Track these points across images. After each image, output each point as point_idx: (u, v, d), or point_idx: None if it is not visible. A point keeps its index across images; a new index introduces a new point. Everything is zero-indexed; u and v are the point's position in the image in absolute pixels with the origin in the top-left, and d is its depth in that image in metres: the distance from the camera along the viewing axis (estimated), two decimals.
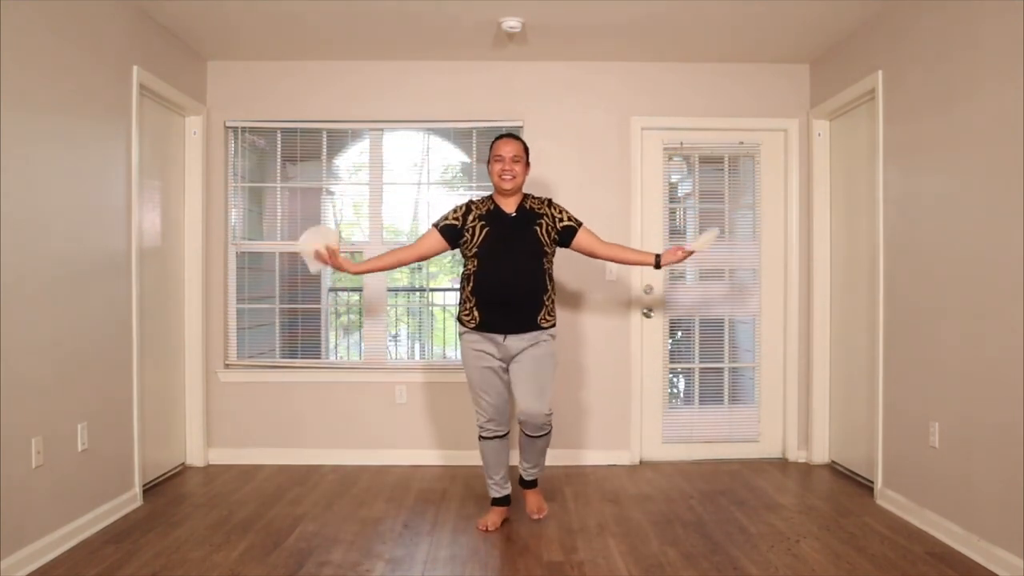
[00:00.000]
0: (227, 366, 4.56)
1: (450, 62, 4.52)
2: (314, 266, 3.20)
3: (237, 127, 4.58)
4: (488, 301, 3.18)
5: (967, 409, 3.08)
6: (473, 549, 3.12)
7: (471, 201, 3.34)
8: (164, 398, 4.15)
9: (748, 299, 4.64)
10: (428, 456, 4.52)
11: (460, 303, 3.30)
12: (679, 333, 4.72)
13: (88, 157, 3.30)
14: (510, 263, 3.18)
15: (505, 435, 3.36)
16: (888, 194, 3.69)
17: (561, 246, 3.35)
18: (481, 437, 3.35)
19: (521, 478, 3.50)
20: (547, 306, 3.25)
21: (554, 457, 4.37)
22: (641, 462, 4.55)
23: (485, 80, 4.53)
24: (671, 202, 4.65)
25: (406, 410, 4.55)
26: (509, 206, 3.28)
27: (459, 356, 3.44)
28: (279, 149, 4.65)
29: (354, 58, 4.50)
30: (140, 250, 3.73)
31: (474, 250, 3.21)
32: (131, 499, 3.62)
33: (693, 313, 4.64)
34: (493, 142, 3.32)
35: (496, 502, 3.41)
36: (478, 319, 3.21)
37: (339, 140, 4.67)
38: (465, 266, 3.28)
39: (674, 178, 4.72)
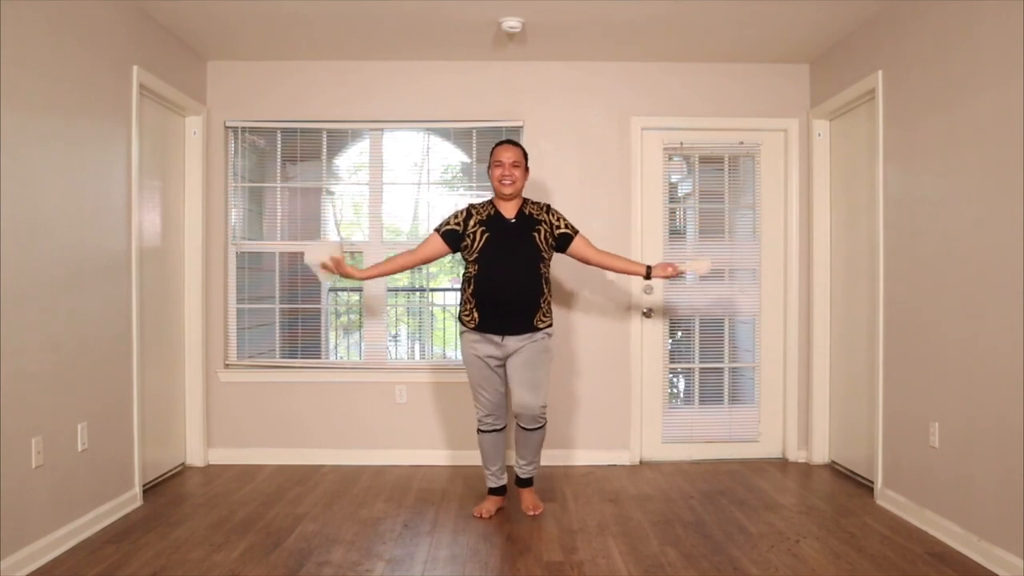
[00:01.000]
0: (227, 366, 4.56)
1: (450, 62, 4.52)
2: (326, 279, 3.47)
3: (237, 127, 4.58)
4: (487, 303, 3.32)
5: (967, 409, 3.08)
6: (473, 549, 3.12)
7: (472, 205, 3.46)
8: (164, 398, 4.15)
9: (748, 299, 4.64)
10: (428, 456, 4.52)
11: (461, 303, 3.44)
12: (679, 333, 4.72)
13: (88, 157, 3.30)
14: (509, 268, 3.31)
15: (502, 429, 3.53)
16: (888, 194, 3.69)
17: (557, 251, 3.48)
18: (480, 431, 3.52)
19: (517, 477, 3.58)
20: (543, 308, 3.38)
21: (554, 457, 4.38)
22: (641, 462, 4.55)
23: (485, 80, 4.53)
24: (671, 202, 4.65)
25: (406, 410, 4.55)
26: (509, 211, 3.40)
27: (459, 356, 3.62)
28: (279, 149, 4.65)
29: (354, 58, 4.50)
30: (140, 250, 3.73)
31: (475, 254, 3.34)
32: (131, 499, 3.62)
33: (693, 313, 4.64)
34: (493, 148, 3.44)
35: (493, 491, 3.57)
36: (478, 320, 3.35)
37: (339, 140, 4.67)
38: (466, 269, 3.41)
39: (674, 178, 4.72)
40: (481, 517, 3.47)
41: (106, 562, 2.95)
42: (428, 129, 4.65)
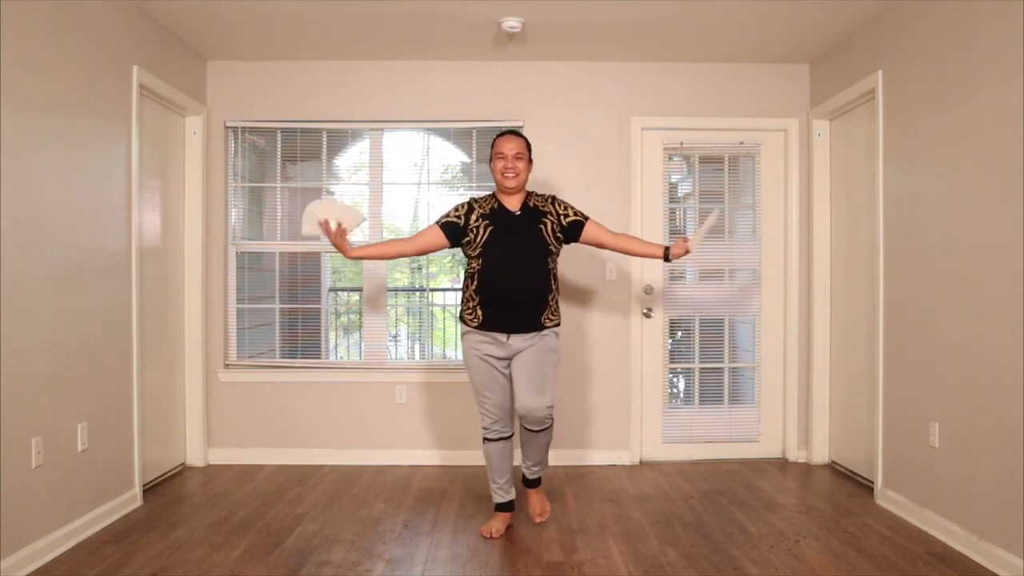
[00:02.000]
0: (227, 366, 4.56)
1: (450, 62, 4.52)
2: (310, 229, 3.13)
3: (237, 127, 4.58)
4: (492, 300, 3.14)
5: (967, 409, 3.08)
6: (473, 549, 3.12)
7: (473, 199, 3.30)
8: (164, 398, 4.15)
9: (748, 299, 4.64)
10: (428, 456, 4.52)
11: (463, 301, 3.25)
12: (679, 333, 4.72)
13: (88, 157, 3.30)
14: (514, 262, 3.14)
15: (510, 436, 3.30)
16: (888, 194, 3.69)
17: (569, 242, 3.30)
18: (486, 439, 3.28)
19: (524, 477, 3.43)
20: (551, 305, 3.21)
21: (554, 457, 4.37)
22: (641, 462, 4.55)
23: (485, 80, 4.53)
24: (671, 202, 4.65)
25: (406, 410, 4.55)
26: (513, 204, 3.24)
27: (459, 356, 3.38)
28: (279, 149, 4.65)
29: (354, 58, 4.50)
30: (140, 250, 3.73)
31: (478, 250, 3.17)
32: (131, 499, 3.62)
33: (693, 313, 4.64)
34: (495, 139, 3.26)
35: (500, 507, 3.33)
36: (481, 318, 3.16)
37: (339, 140, 4.67)
38: (468, 264, 3.24)
39: (674, 178, 4.72)
40: (491, 536, 3.24)
41: (106, 562, 2.95)
42: (428, 129, 4.65)
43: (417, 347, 4.99)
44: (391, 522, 3.47)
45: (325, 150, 4.64)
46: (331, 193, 4.72)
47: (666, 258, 3.28)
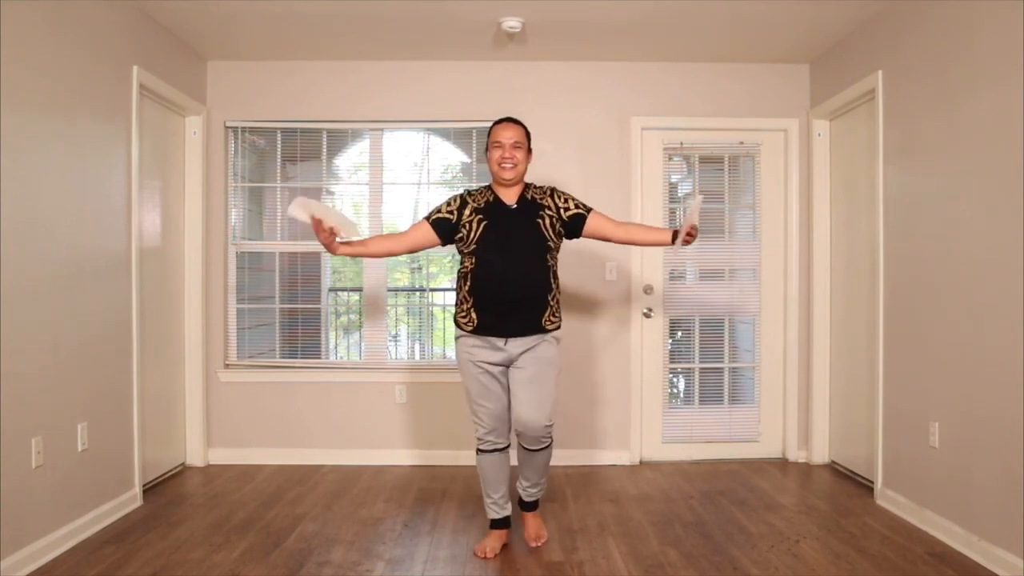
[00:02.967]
0: (227, 366, 4.56)
1: (450, 62, 4.52)
2: (298, 213, 2.72)
3: (237, 127, 4.58)
4: (488, 301, 2.91)
5: (967, 409, 3.08)
6: (473, 549, 3.12)
7: (468, 192, 3.05)
8: (164, 398, 4.15)
9: (748, 299, 4.63)
10: (428, 456, 4.52)
11: (456, 304, 3.02)
12: (679, 333, 4.72)
13: (88, 157, 3.30)
14: (511, 260, 2.89)
15: (506, 448, 3.06)
16: (888, 194, 3.69)
17: (571, 237, 3.05)
18: (480, 451, 3.04)
19: (520, 499, 3.18)
20: (552, 306, 2.96)
21: (554, 457, 4.35)
22: (641, 462, 4.55)
23: (485, 80, 4.53)
24: (671, 202, 4.65)
25: (406, 410, 4.55)
26: (509, 197, 2.99)
27: (455, 349, 3.07)
28: (279, 149, 4.65)
29: (354, 58, 4.50)
30: (140, 250, 3.73)
31: (472, 246, 2.92)
32: (131, 499, 3.62)
33: (693, 313, 4.64)
34: (491, 126, 3.03)
35: (495, 524, 3.10)
36: (476, 321, 2.92)
37: (339, 140, 4.67)
38: (462, 263, 3.01)
39: (674, 178, 4.72)
40: (485, 558, 3.01)
41: (106, 562, 2.95)
42: (428, 129, 4.65)
43: (417, 347, 4.99)
44: (391, 522, 3.47)
45: (325, 150, 4.64)
46: (331, 194, 4.72)
47: (673, 242, 2.92)
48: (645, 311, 4.55)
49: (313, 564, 2.94)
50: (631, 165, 4.52)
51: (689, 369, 4.68)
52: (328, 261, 4.80)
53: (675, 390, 4.78)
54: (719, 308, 4.64)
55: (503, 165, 2.95)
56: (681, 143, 4.60)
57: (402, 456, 4.53)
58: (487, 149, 3.02)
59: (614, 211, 4.48)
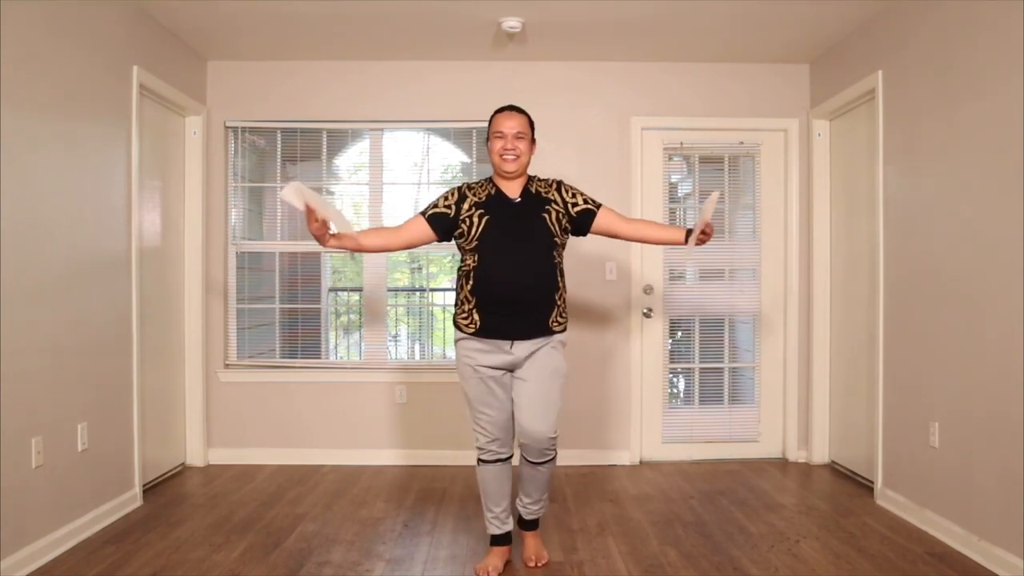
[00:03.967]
0: (227, 366, 4.56)
1: (450, 62, 4.52)
2: (292, 198, 2.48)
3: (237, 127, 4.58)
4: (491, 302, 2.71)
5: (967, 409, 3.08)
6: (473, 549, 3.12)
7: (467, 185, 2.84)
8: (164, 398, 4.15)
9: (748, 299, 4.63)
10: (428, 456, 4.52)
11: (456, 304, 2.81)
12: (679, 333, 4.72)
13: (88, 157, 3.30)
14: (516, 257, 2.70)
15: (508, 458, 2.85)
16: (888, 194, 3.69)
17: (578, 234, 2.86)
18: (480, 461, 2.84)
19: (520, 517, 2.98)
20: (559, 306, 2.77)
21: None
22: (641, 462, 4.55)
23: (485, 80, 4.53)
24: (671, 202, 4.65)
25: (406, 410, 4.55)
26: (512, 190, 2.79)
27: (455, 352, 2.87)
28: (279, 149, 4.65)
29: (354, 58, 4.50)
30: (140, 250, 3.73)
31: (473, 243, 2.73)
32: (131, 499, 3.62)
33: (693, 313, 4.64)
34: (492, 115, 2.83)
35: (496, 540, 2.90)
36: (479, 323, 2.72)
37: (339, 140, 4.67)
38: (463, 261, 2.81)
39: (674, 178, 4.72)
40: None
41: (106, 562, 2.95)
42: (428, 129, 4.65)
43: (417, 347, 5.00)
44: (391, 522, 3.47)
45: (325, 150, 4.64)
46: (331, 194, 4.72)
47: (687, 241, 2.77)
48: (645, 311, 4.55)
49: (313, 564, 2.94)
50: (631, 165, 4.52)
51: (689, 369, 4.68)
52: (328, 261, 4.80)
53: (675, 390, 4.78)
54: (719, 308, 4.64)
55: (505, 156, 2.75)
56: (681, 143, 4.60)
57: (402, 456, 4.53)
58: (488, 140, 2.83)
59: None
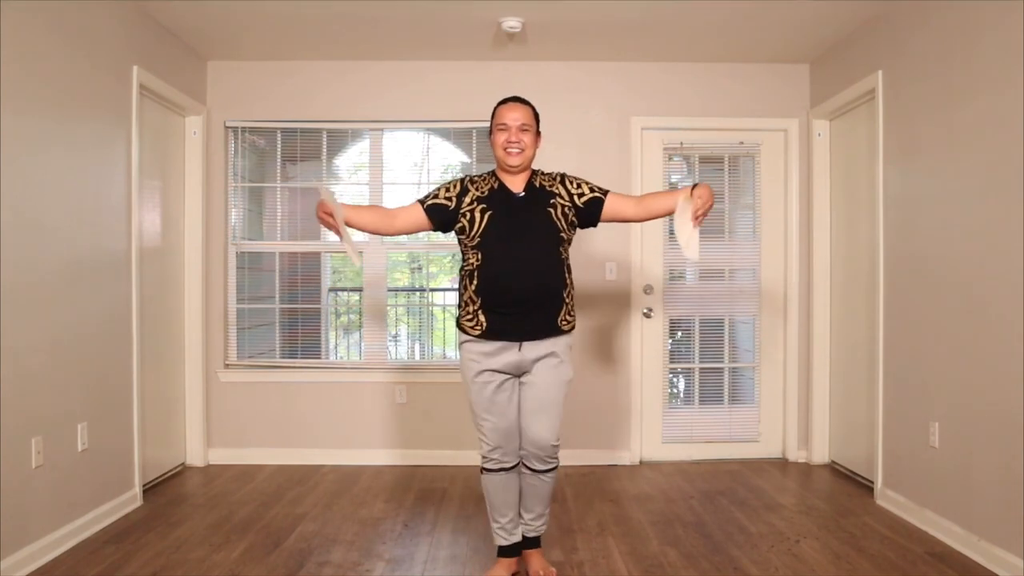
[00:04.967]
0: (227, 366, 4.56)
1: (450, 62, 4.52)
2: (326, 196, 2.59)
3: (237, 127, 4.58)
4: (497, 302, 2.59)
5: (967, 409, 3.08)
6: (473, 549, 3.12)
7: (469, 178, 2.72)
8: (164, 398, 4.15)
9: (748, 299, 4.63)
10: (428, 456, 4.52)
11: (460, 306, 2.69)
12: (679, 333, 4.72)
13: (88, 157, 3.30)
14: (521, 254, 2.59)
15: (514, 467, 2.73)
16: (888, 194, 3.69)
17: (588, 225, 2.74)
18: (485, 470, 2.72)
19: (523, 536, 2.83)
20: (567, 304, 2.66)
21: None
22: (641, 462, 4.55)
23: (485, 80, 4.53)
24: None
25: (406, 410, 4.55)
26: (516, 185, 2.68)
27: (459, 356, 2.77)
28: (279, 149, 4.65)
29: (354, 58, 4.50)
30: (140, 250, 3.73)
31: (476, 240, 2.62)
32: (131, 499, 3.62)
33: (693, 313, 4.64)
34: (496, 107, 2.72)
35: (504, 552, 2.78)
36: (485, 325, 2.60)
37: (339, 140, 4.67)
38: (465, 259, 2.69)
39: (674, 178, 4.72)
40: None
41: (106, 562, 2.95)
42: (428, 129, 4.65)
43: (417, 347, 5.00)
44: (391, 522, 3.47)
45: (325, 150, 4.64)
46: (331, 194, 4.70)
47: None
48: (645, 311, 4.55)
49: (313, 564, 2.94)
50: (631, 165, 4.52)
51: (689, 369, 4.68)
52: (328, 261, 4.80)
53: (675, 390, 4.78)
54: (719, 308, 4.64)
55: (509, 150, 2.63)
56: (681, 143, 4.60)
57: (402, 456, 4.53)
58: (491, 132, 2.72)
59: None
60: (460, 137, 4.65)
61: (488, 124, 2.80)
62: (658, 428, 4.59)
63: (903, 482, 3.55)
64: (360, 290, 4.74)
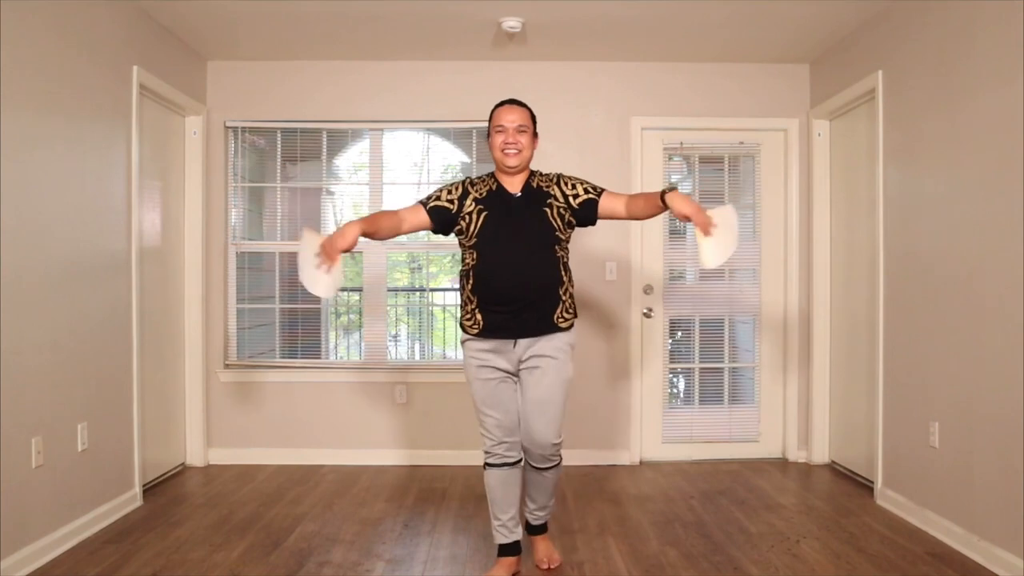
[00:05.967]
0: (227, 366, 4.56)
1: (450, 62, 4.52)
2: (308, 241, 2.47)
3: (237, 127, 4.58)
4: (493, 301, 2.65)
5: (967, 409, 3.08)
6: (473, 549, 3.12)
7: (469, 181, 2.78)
8: (164, 398, 4.15)
9: (748, 299, 4.63)
10: (428, 456, 4.52)
11: (460, 306, 2.77)
12: (679, 333, 4.72)
13: (88, 157, 3.30)
14: (516, 254, 2.64)
15: (517, 463, 2.76)
16: (888, 194, 3.69)
17: (585, 224, 2.78)
18: (487, 464, 2.76)
19: (527, 523, 2.94)
20: (564, 301, 2.70)
21: None
22: (641, 462, 4.55)
23: (485, 80, 4.53)
24: None
25: (406, 410, 4.55)
26: (513, 186, 2.73)
27: (459, 355, 2.85)
28: (279, 149, 4.65)
29: (354, 58, 4.50)
30: (140, 250, 3.73)
31: (472, 240, 2.67)
32: (131, 499, 3.62)
33: (693, 313, 4.64)
34: (493, 109, 2.77)
35: (504, 550, 2.79)
36: (482, 323, 2.67)
37: (339, 140, 4.67)
38: (463, 260, 2.75)
39: (674, 178, 4.72)
40: None
41: (106, 562, 2.95)
42: (428, 129, 4.65)
43: (417, 347, 5.00)
44: (391, 522, 3.47)
45: (325, 150, 4.64)
46: (331, 194, 4.72)
47: (664, 204, 2.58)
48: (645, 311, 4.55)
49: (313, 564, 2.94)
50: (631, 165, 4.52)
51: (689, 369, 4.68)
52: None
53: (675, 390, 4.78)
54: (719, 308, 4.64)
55: (507, 151, 2.68)
56: (681, 143, 4.60)
57: (402, 456, 4.53)
58: (488, 135, 2.77)
59: None
60: (460, 137, 4.65)
61: (487, 124, 2.80)
62: (658, 428, 4.59)
63: (903, 482, 3.55)
64: (360, 290, 4.75)
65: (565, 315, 2.71)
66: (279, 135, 4.62)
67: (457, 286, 4.33)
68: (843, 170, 4.33)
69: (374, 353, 4.64)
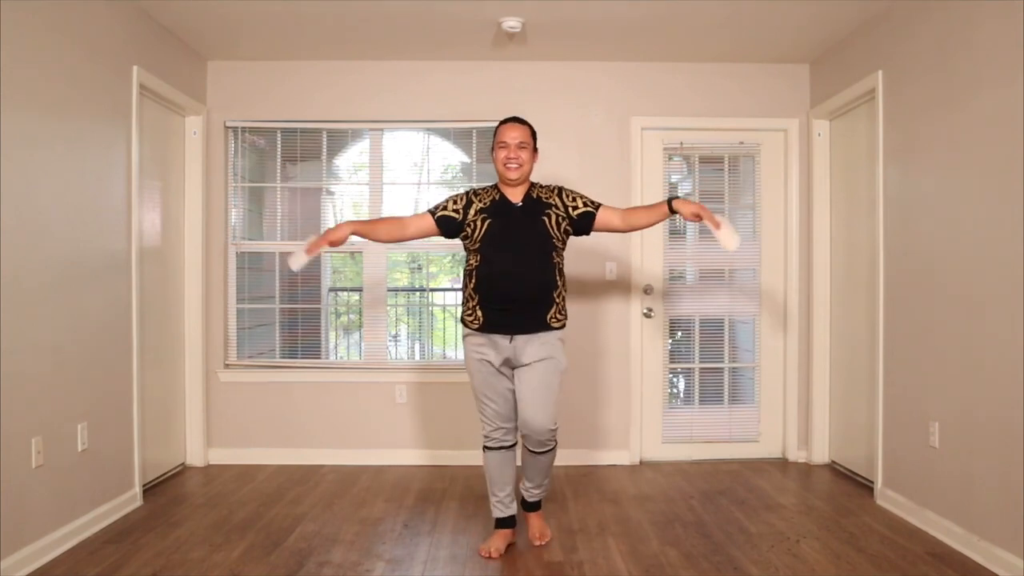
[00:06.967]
0: (227, 366, 4.56)
1: (450, 62, 4.52)
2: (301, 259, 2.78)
3: (237, 127, 4.59)
4: (492, 299, 2.92)
5: (967, 409, 3.08)
6: (473, 549, 3.12)
7: (472, 191, 3.05)
8: (164, 398, 4.15)
9: (748, 299, 4.63)
10: (428, 456, 4.52)
11: (463, 302, 3.04)
12: (679, 333, 4.72)
13: (88, 157, 3.30)
14: (516, 259, 2.91)
15: (512, 446, 3.08)
16: (888, 194, 3.69)
17: (581, 233, 3.04)
18: (486, 448, 3.07)
19: (523, 500, 3.21)
20: (557, 304, 2.97)
21: (555, 457, 4.37)
22: (641, 462, 4.55)
23: (485, 80, 4.53)
24: None
25: (406, 410, 4.55)
26: (515, 196, 3.00)
27: (459, 356, 3.14)
28: (279, 149, 4.65)
29: (354, 58, 4.50)
30: (140, 250, 3.73)
31: (477, 244, 2.95)
32: (131, 499, 3.62)
33: (693, 313, 4.64)
34: (497, 126, 3.03)
35: (500, 523, 3.11)
36: (482, 319, 2.94)
37: (339, 140, 4.67)
38: (467, 261, 3.03)
39: (674, 178, 4.72)
40: (489, 557, 3.02)
41: (106, 562, 2.95)
42: (428, 129, 4.65)
43: (417, 347, 5.00)
44: (391, 522, 3.47)
45: (325, 150, 4.64)
46: (331, 194, 4.72)
47: (670, 208, 2.90)
48: (645, 311, 4.55)
49: (313, 564, 2.94)
50: (631, 165, 4.52)
51: (689, 369, 4.68)
52: (328, 261, 4.80)
53: (675, 390, 4.78)
54: (719, 308, 4.64)
55: (508, 165, 2.96)
56: (681, 143, 4.60)
57: (402, 456, 4.53)
58: (492, 149, 3.04)
59: None
60: (460, 137, 4.65)
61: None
62: (658, 428, 4.59)
63: (903, 482, 3.55)
64: (360, 290, 4.75)
65: (558, 316, 2.99)
66: (279, 135, 4.62)
67: (457, 286, 4.38)
68: (843, 170, 4.33)
69: (374, 353, 4.64)
